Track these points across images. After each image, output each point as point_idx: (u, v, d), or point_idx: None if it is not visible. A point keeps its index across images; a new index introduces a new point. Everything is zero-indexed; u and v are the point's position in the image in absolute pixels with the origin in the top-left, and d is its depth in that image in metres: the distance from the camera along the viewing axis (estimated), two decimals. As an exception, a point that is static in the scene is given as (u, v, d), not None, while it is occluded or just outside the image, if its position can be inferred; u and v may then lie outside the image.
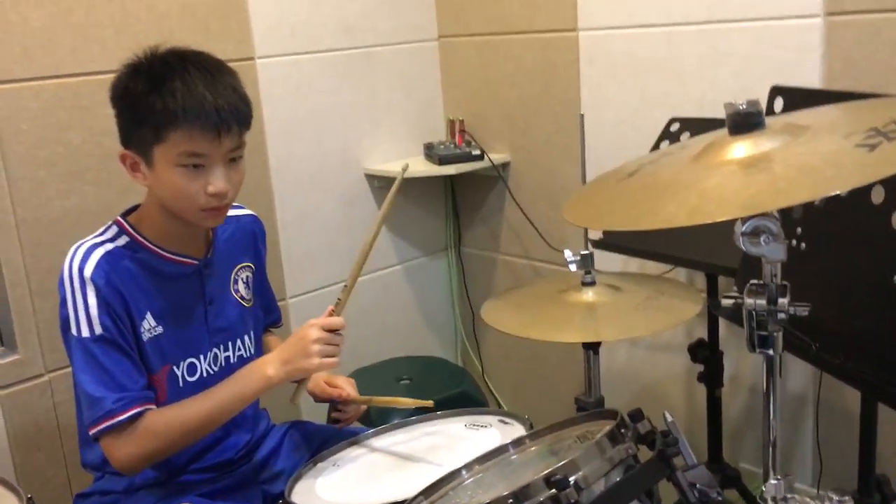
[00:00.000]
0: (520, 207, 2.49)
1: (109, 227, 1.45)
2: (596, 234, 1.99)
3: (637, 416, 1.01)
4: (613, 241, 1.92)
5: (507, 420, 1.51)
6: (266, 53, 2.23)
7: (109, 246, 1.40)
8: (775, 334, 1.06)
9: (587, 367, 1.63)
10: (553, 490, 0.88)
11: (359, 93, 2.46)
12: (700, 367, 1.96)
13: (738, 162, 0.96)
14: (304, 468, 1.47)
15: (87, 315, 1.35)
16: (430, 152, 2.51)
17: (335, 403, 1.65)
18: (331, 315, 1.45)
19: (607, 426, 1.00)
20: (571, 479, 0.89)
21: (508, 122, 2.49)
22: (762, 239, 1.01)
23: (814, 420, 2.02)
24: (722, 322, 1.96)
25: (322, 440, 1.64)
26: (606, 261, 1.94)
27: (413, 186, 2.60)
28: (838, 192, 0.84)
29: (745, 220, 1.02)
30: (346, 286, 1.50)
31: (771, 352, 1.07)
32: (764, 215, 1.01)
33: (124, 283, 1.39)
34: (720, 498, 0.97)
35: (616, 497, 0.90)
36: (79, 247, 1.40)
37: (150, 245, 1.43)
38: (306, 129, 2.36)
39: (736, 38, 1.96)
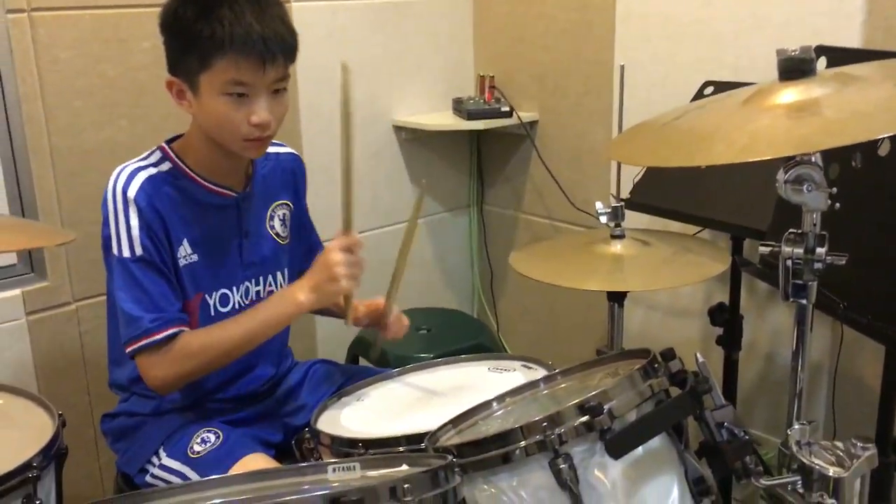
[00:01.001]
0: (546, 166, 2.49)
1: (153, 152, 1.46)
2: (622, 195, 1.99)
3: (669, 354, 1.03)
4: (641, 201, 1.93)
5: (530, 365, 1.52)
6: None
7: (153, 171, 1.42)
8: (810, 283, 1.07)
9: (611, 320, 1.65)
10: (587, 416, 0.90)
11: (391, 44, 2.45)
12: (719, 331, 1.97)
13: (788, 106, 0.97)
14: (329, 400, 1.49)
15: (129, 235, 1.37)
16: (459, 107, 2.51)
17: (373, 327, 1.66)
18: (344, 235, 1.46)
19: (639, 363, 1.02)
20: (605, 406, 0.91)
21: (539, 80, 2.49)
22: (805, 187, 1.02)
23: (829, 389, 2.04)
24: (743, 287, 1.98)
25: (345, 378, 1.66)
26: (632, 223, 1.95)
27: (439, 141, 2.60)
28: (888, 135, 0.85)
29: (787, 168, 1.03)
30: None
31: (804, 301, 1.08)
32: (807, 163, 1.02)
33: (165, 207, 1.40)
34: (747, 437, 0.99)
35: (646, 427, 0.92)
36: (123, 169, 1.42)
37: (191, 173, 1.45)
38: (337, 77, 2.35)
39: (775, 4, 1.95)
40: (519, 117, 2.47)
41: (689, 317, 2.29)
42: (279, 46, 1.35)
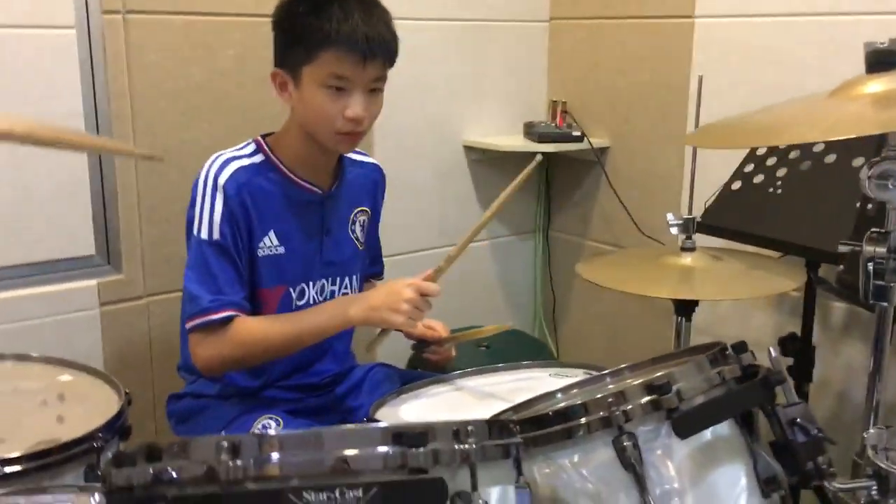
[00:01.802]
0: (615, 193, 2.48)
1: (248, 143, 1.52)
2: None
3: (741, 347, 1.00)
4: (713, 223, 1.89)
5: (593, 373, 1.49)
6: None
7: (246, 161, 1.48)
8: (892, 285, 1.04)
9: (676, 337, 1.62)
10: (654, 395, 0.88)
11: (466, 65, 2.49)
12: (789, 362, 1.91)
13: (874, 95, 0.95)
14: (389, 396, 1.49)
15: (210, 219, 1.42)
16: (530, 131, 2.52)
17: (425, 345, 1.66)
18: (429, 279, 1.47)
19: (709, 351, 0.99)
20: (673, 387, 0.89)
21: (611, 107, 2.49)
22: (890, 183, 1.00)
23: None
24: (817, 320, 1.92)
25: (405, 381, 1.66)
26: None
27: (508, 164, 2.61)
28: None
29: (872, 165, 1.01)
30: (449, 256, 1.51)
31: (885, 303, 1.05)
32: (892, 159, 1.00)
33: (254, 197, 1.45)
34: (821, 434, 0.95)
35: (715, 409, 0.89)
36: (218, 156, 1.48)
37: (282, 167, 1.50)
38: (411, 94, 2.40)
39: (860, 32, 1.92)
40: (590, 142, 2.47)
41: (759, 349, 2.22)
42: (381, 47, 1.41)
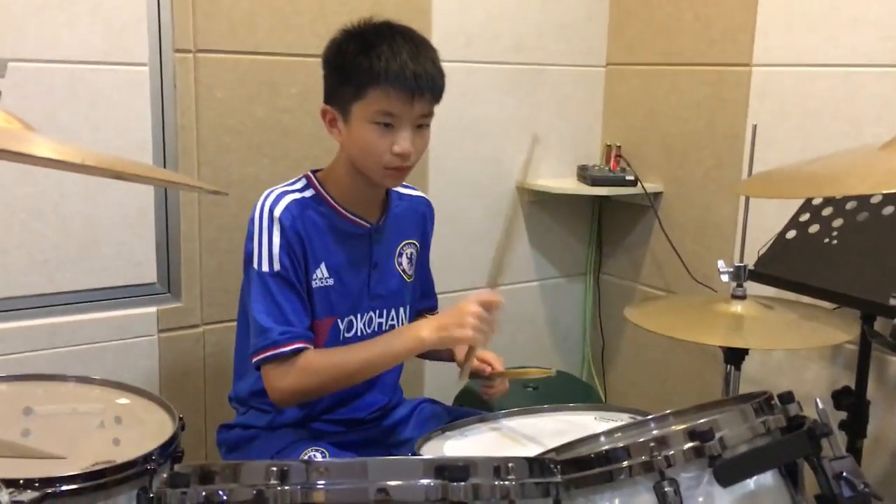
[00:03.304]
0: (667, 238, 2.48)
1: (299, 179, 1.57)
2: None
3: (787, 397, 1.00)
4: (765, 272, 1.88)
5: (637, 418, 1.49)
6: (443, 58, 2.34)
7: (298, 195, 1.53)
8: (944, 339, 1.02)
9: (725, 385, 1.60)
10: (696, 441, 0.88)
11: (521, 108, 2.53)
12: (843, 416, 1.88)
13: (927, 149, 0.95)
14: (434, 433, 1.50)
15: (270, 251, 1.47)
16: (584, 174, 2.54)
17: (482, 378, 1.68)
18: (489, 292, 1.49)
19: (754, 401, 0.99)
20: (717, 434, 0.89)
21: (666, 152, 2.50)
22: (941, 237, 0.99)
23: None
24: (871, 374, 1.88)
25: (451, 418, 1.68)
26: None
27: (561, 206, 2.63)
28: None
29: (924, 218, 1.00)
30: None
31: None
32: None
33: (307, 230, 1.50)
34: (868, 490, 0.94)
35: (758, 458, 0.89)
36: (271, 192, 1.53)
37: (331, 200, 1.55)
38: (467, 135, 2.45)
39: (919, 84, 1.91)
40: (643, 187, 2.48)
41: (812, 402, 2.18)
42: (428, 84, 1.45)
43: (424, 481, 0.77)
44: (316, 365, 1.46)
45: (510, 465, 0.76)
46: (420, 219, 1.71)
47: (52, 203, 1.84)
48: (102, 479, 1.16)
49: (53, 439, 1.36)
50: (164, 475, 0.83)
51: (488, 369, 1.65)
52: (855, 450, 1.88)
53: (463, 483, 0.75)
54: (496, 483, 0.76)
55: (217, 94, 2.02)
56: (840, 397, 1.87)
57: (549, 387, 2.30)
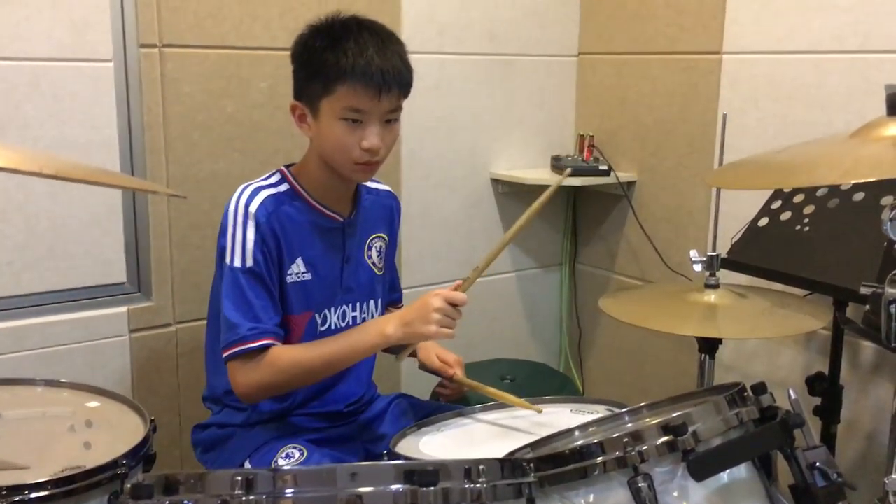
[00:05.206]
0: (641, 227, 2.48)
1: (273, 173, 1.56)
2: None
3: (760, 388, 1.00)
4: (738, 260, 1.89)
5: (614, 410, 1.49)
6: (412, 49, 2.32)
7: (272, 190, 1.51)
8: (914, 328, 1.03)
9: (700, 374, 1.61)
10: (670, 435, 0.88)
11: (494, 98, 2.51)
12: (816, 402, 1.89)
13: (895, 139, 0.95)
14: (409, 429, 1.50)
15: (243, 247, 1.45)
16: (557, 164, 2.53)
17: (440, 377, 1.68)
18: (456, 290, 1.49)
19: (727, 392, 0.99)
20: (690, 427, 0.89)
21: (639, 141, 2.50)
22: (910, 225, 0.99)
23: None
24: (845, 359, 1.90)
25: (426, 413, 1.67)
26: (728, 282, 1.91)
27: (535, 196, 2.61)
28: None
29: (893, 208, 1.00)
30: (477, 267, 1.53)
31: (908, 346, 1.04)
32: (913, 202, 0.99)
33: (283, 225, 1.49)
34: (840, 479, 0.94)
35: (732, 451, 0.89)
36: (246, 187, 1.51)
37: (305, 195, 1.53)
38: (440, 127, 2.43)
39: (890, 70, 1.91)
40: (617, 176, 2.48)
41: (785, 387, 2.19)
42: (395, 79, 1.44)
43: (395, 487, 0.76)
44: (281, 361, 1.45)
45: (481, 467, 0.76)
46: (388, 212, 1.71)
47: (15, 203, 1.81)
48: (72, 485, 1.15)
49: (22, 444, 1.34)
50: (129, 485, 0.81)
51: (450, 371, 1.65)
52: (829, 434, 1.89)
53: (433, 488, 0.74)
54: (467, 486, 0.76)
55: (185, 89, 1.98)
56: (814, 383, 1.88)
57: (527, 378, 2.30)
